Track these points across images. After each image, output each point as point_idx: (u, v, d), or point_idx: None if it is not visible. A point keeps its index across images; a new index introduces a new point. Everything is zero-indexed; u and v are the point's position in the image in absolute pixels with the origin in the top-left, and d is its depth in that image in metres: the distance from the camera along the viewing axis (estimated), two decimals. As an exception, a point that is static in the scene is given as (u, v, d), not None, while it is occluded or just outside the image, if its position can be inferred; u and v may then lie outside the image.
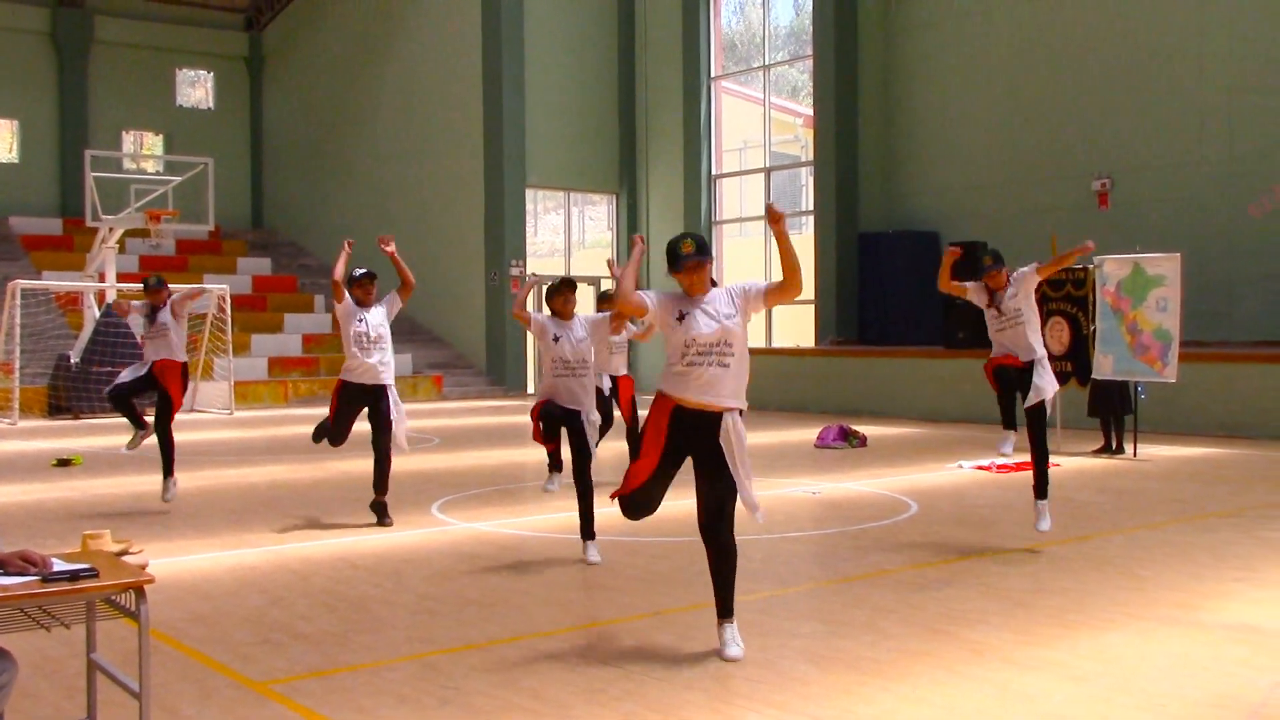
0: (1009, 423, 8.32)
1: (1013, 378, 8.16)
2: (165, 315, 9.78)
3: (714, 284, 5.55)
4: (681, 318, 5.41)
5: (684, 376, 5.40)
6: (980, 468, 12.22)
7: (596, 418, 7.71)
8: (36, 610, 3.92)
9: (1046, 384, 7.91)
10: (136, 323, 10.29)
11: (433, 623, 6.22)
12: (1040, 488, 8.06)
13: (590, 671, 5.26)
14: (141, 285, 10.28)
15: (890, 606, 6.36)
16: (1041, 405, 7.93)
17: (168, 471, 9.77)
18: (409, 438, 9.36)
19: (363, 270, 9.15)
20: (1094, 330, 13.51)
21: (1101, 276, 13.42)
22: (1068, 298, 13.97)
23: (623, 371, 10.92)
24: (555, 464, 8.60)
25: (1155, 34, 18.84)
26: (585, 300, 10.01)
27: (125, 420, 10.23)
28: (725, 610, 5.45)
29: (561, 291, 7.75)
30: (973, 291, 8.36)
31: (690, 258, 5.42)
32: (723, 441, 5.36)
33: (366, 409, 8.93)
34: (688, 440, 5.43)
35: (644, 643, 5.71)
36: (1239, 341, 17.23)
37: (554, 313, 7.79)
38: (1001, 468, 11.81)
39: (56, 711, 4.78)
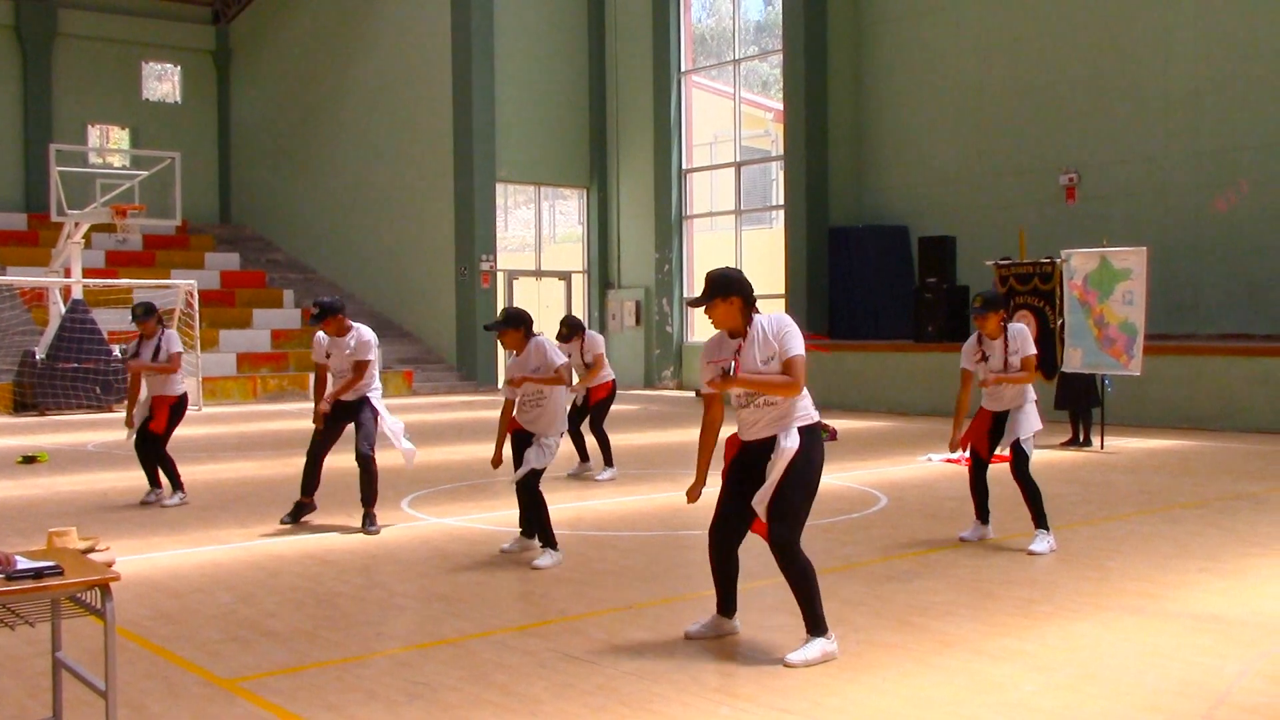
0: (982, 511, 7.99)
1: (990, 440, 7.84)
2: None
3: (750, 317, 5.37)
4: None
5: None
6: (949, 461, 12.28)
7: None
8: (0, 608, 3.88)
9: (1026, 423, 7.61)
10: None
11: (402, 618, 6.21)
12: (1038, 518, 7.70)
13: (561, 666, 5.26)
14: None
15: (859, 599, 6.40)
16: (1018, 444, 7.64)
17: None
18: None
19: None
20: (1060, 324, 13.60)
21: (1069, 270, 13.51)
22: (1035, 291, 14.06)
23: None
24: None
25: (1122, 30, 18.98)
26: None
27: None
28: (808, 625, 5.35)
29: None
30: (966, 356, 7.92)
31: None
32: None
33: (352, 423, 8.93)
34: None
35: (615, 637, 5.72)
36: (1204, 334, 17.41)
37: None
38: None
39: (21, 710, 4.74)
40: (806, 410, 5.35)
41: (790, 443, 5.24)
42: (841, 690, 4.84)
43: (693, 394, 22.92)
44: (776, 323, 5.35)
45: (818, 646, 5.22)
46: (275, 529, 8.81)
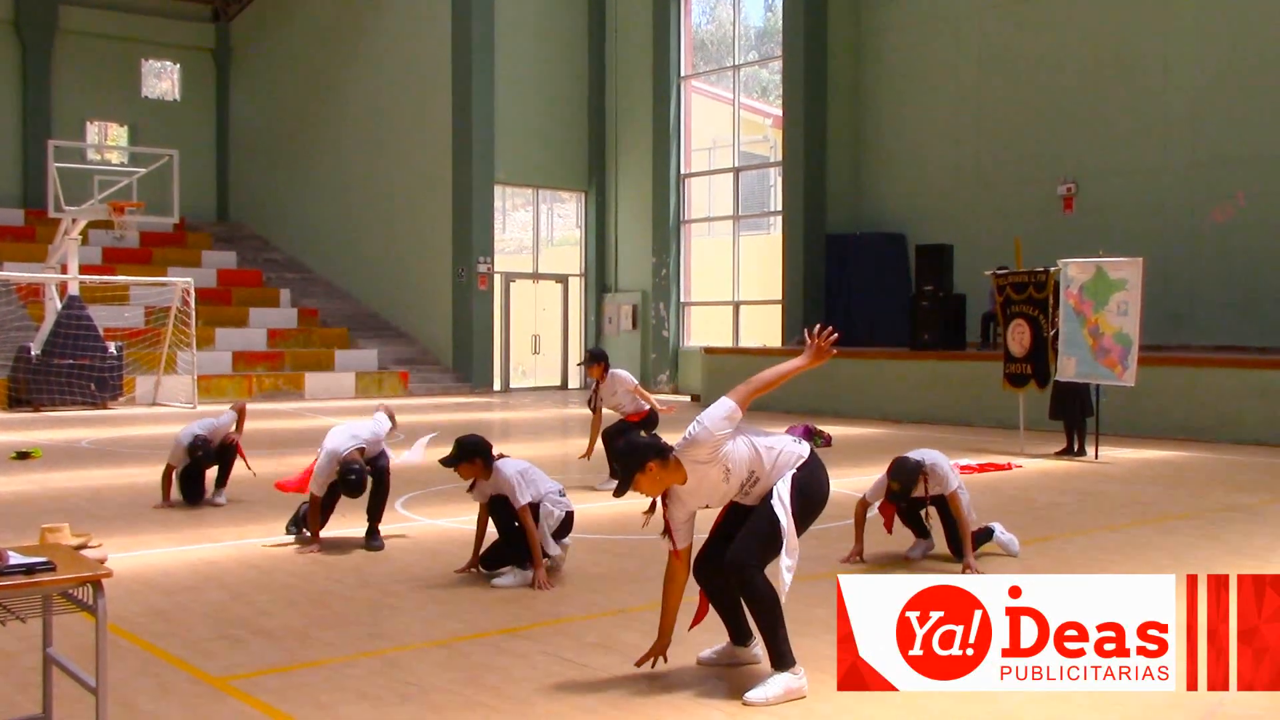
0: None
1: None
2: None
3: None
4: None
5: None
6: (967, 469, 12.24)
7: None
8: (-9, 604, 3.87)
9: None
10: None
11: (394, 619, 6.20)
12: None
13: (553, 669, 5.25)
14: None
15: (853, 605, 6.38)
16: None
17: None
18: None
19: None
20: (1054, 333, 13.61)
21: (1065, 279, 13.52)
22: (1029, 300, 14.06)
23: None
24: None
25: (1121, 40, 19.02)
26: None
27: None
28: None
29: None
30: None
31: None
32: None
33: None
34: None
35: (608, 640, 5.71)
36: (1200, 345, 17.44)
37: None
38: (964, 468, 11.86)
39: (11, 706, 4.72)
40: (782, 471, 5.08)
41: (781, 489, 5.04)
42: (835, 698, 4.82)
43: (688, 399, 22.92)
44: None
45: (780, 683, 4.91)
46: (267, 527, 8.79)
